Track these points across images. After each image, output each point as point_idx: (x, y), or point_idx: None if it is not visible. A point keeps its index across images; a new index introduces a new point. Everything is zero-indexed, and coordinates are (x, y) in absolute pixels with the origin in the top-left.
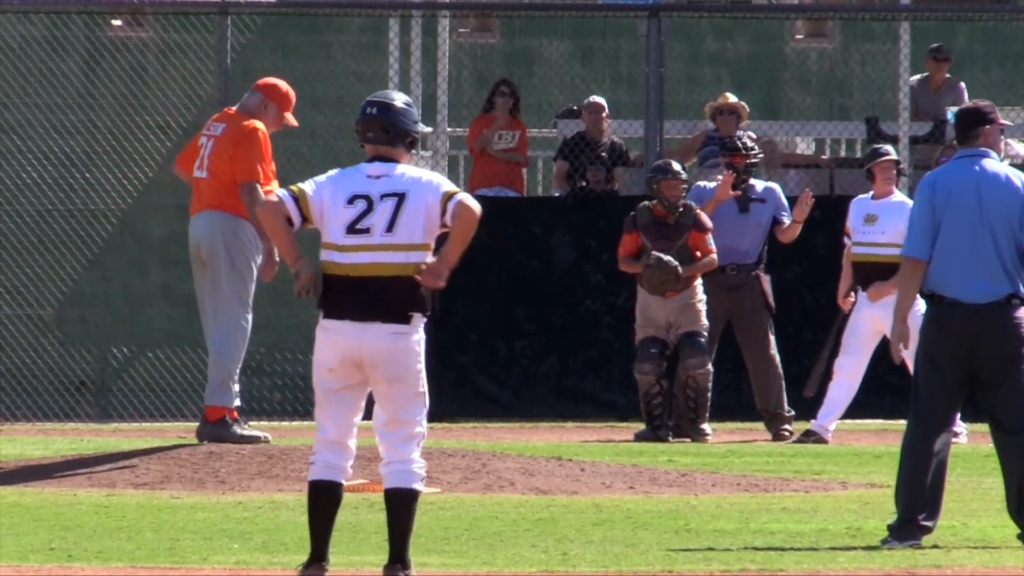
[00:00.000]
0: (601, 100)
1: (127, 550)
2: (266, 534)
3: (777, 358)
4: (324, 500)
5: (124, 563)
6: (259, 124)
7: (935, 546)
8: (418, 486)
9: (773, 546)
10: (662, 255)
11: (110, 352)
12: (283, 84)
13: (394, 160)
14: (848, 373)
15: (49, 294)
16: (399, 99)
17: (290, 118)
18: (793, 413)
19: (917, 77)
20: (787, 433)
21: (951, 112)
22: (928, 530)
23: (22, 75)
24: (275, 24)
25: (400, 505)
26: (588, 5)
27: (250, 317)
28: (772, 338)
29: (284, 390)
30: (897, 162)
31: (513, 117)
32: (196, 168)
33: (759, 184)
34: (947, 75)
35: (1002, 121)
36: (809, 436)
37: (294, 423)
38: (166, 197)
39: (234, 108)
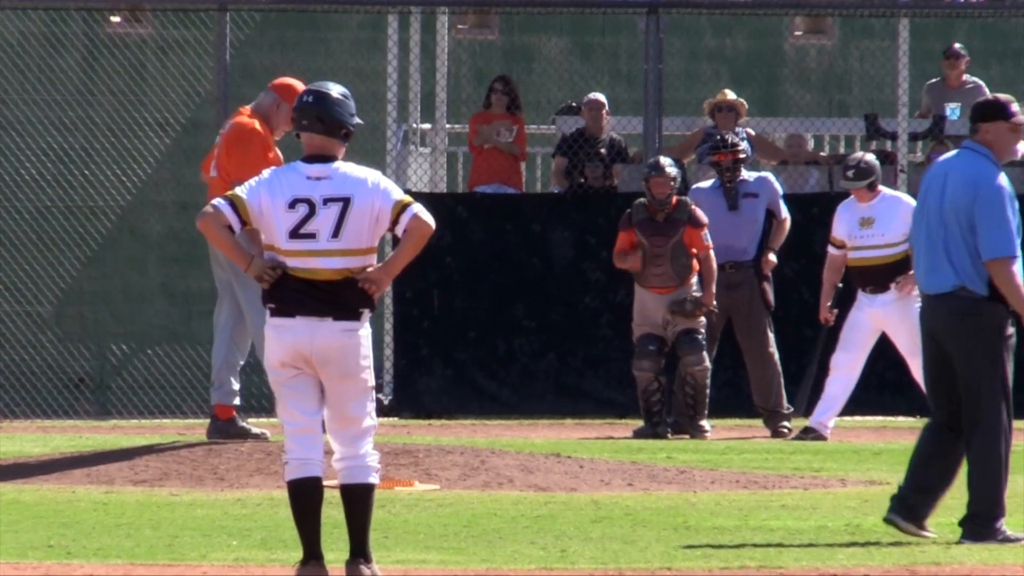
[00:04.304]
0: (601, 97)
1: (126, 547)
2: (265, 531)
3: (776, 355)
4: (305, 498)
5: (123, 560)
6: (257, 124)
7: (934, 543)
8: (373, 479)
9: (772, 543)
10: (681, 303)
11: (109, 349)
12: (298, 84)
13: (331, 156)
14: (845, 369)
15: (48, 291)
16: (336, 90)
17: None
18: (792, 410)
19: (933, 81)
20: (786, 430)
21: (950, 108)
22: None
23: (21, 71)
24: (274, 20)
25: (357, 500)
26: (587, 1)
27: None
28: (771, 335)
29: None
30: (869, 171)
31: (511, 113)
32: (212, 168)
33: (751, 176)
34: (964, 75)
35: (1017, 120)
36: (808, 433)
37: None
38: (165, 194)
39: (249, 107)
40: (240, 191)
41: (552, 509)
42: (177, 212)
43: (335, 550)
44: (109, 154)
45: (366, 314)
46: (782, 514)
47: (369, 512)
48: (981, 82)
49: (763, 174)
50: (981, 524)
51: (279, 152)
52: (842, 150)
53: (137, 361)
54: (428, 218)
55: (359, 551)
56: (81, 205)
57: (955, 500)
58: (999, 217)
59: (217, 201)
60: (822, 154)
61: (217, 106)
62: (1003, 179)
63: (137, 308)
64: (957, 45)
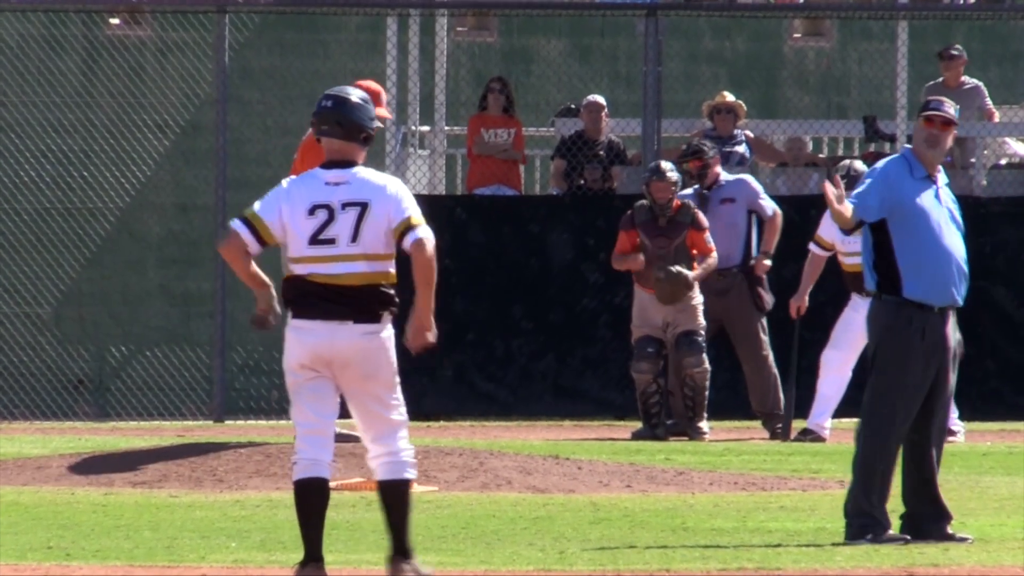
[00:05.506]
0: (600, 99)
1: (125, 549)
2: (264, 532)
3: (771, 357)
4: (311, 499)
5: (122, 562)
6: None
7: (933, 544)
8: (410, 474)
9: (771, 544)
10: (671, 267)
11: (108, 351)
12: (372, 84)
13: (351, 162)
14: (836, 367)
15: (47, 292)
16: (355, 94)
17: (382, 112)
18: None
19: (932, 83)
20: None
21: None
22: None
23: (20, 74)
24: (273, 23)
25: (395, 496)
26: (586, 4)
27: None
28: (765, 338)
29: (282, 388)
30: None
31: (508, 115)
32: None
33: (729, 178)
34: (962, 76)
35: (933, 113)
36: (806, 435)
37: (291, 421)
38: (164, 196)
39: None
40: (257, 207)
41: (550, 510)
42: (176, 214)
43: (334, 551)
44: (108, 156)
45: (387, 316)
46: (780, 515)
47: (408, 508)
48: (980, 83)
49: (741, 176)
50: (850, 523)
51: None
52: (841, 152)
53: (136, 362)
54: (428, 246)
55: (399, 548)
56: (80, 207)
57: (953, 502)
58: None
59: (234, 223)
60: (821, 156)
61: (216, 108)
62: (887, 161)
63: (136, 310)
64: (956, 49)
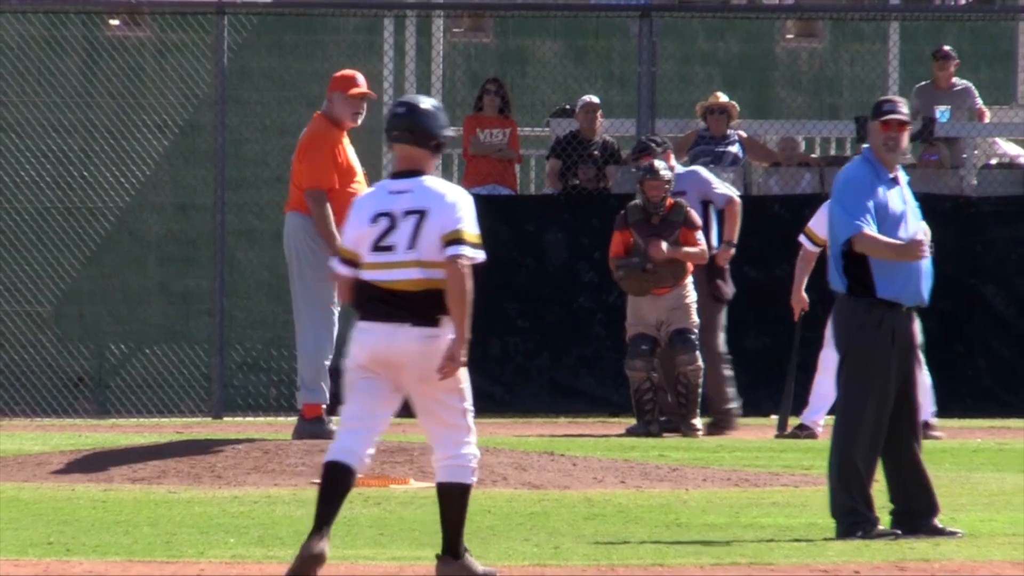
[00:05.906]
0: (596, 99)
1: (124, 544)
2: (262, 528)
3: (723, 351)
4: (334, 479)
5: (121, 557)
6: (324, 130)
7: (923, 539)
8: (469, 479)
9: (763, 540)
10: (627, 261)
11: (108, 348)
12: (349, 71)
13: (419, 171)
14: (834, 366)
15: (47, 291)
16: (426, 102)
17: (358, 90)
18: (737, 407)
19: (922, 84)
20: (727, 428)
21: (940, 111)
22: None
23: (20, 74)
24: (271, 24)
25: (451, 499)
26: (580, 5)
27: (335, 310)
28: (721, 333)
29: (280, 386)
30: None
31: (503, 115)
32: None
33: (680, 171)
34: (953, 77)
35: (891, 116)
36: (802, 430)
37: (290, 419)
38: (163, 195)
39: (319, 111)
40: (340, 239)
41: (545, 507)
42: (175, 213)
43: (331, 547)
44: (108, 156)
45: (447, 320)
46: (773, 511)
47: (462, 511)
48: (970, 84)
49: (692, 168)
50: (839, 522)
51: (350, 153)
52: (833, 152)
53: (135, 360)
54: (463, 264)
55: (449, 548)
56: (80, 206)
57: (944, 498)
58: (841, 202)
59: (332, 264)
60: (813, 156)
61: (215, 108)
62: (856, 168)
63: (135, 308)
64: (947, 48)
